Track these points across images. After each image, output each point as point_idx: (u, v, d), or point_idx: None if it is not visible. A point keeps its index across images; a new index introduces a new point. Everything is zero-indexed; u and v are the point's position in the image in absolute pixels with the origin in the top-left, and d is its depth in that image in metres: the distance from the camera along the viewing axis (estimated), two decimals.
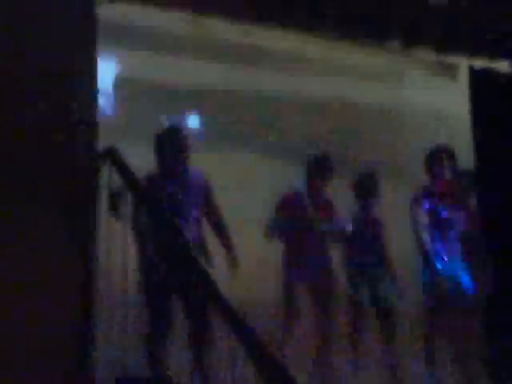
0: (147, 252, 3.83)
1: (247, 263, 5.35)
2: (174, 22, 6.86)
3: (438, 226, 6.21)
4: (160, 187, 4.96)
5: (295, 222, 5.98)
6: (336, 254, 6.33)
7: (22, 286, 3.27)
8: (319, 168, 6.15)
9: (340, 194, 6.53)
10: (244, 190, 5.39)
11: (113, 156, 3.54)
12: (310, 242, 6.01)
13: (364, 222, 6.45)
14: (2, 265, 3.24)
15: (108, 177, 3.49)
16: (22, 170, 3.39)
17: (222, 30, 7.23)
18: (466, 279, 6.23)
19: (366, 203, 6.48)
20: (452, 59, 8.80)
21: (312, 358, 5.94)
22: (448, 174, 6.39)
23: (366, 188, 6.50)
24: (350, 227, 6.16)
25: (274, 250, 6.03)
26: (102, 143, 3.56)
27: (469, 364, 6.02)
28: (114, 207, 3.42)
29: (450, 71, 8.95)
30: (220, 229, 5.25)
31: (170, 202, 4.86)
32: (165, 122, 5.65)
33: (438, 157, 6.40)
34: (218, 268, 4.97)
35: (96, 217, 3.43)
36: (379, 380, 6.05)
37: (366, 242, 6.40)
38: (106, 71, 6.97)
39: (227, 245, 5.25)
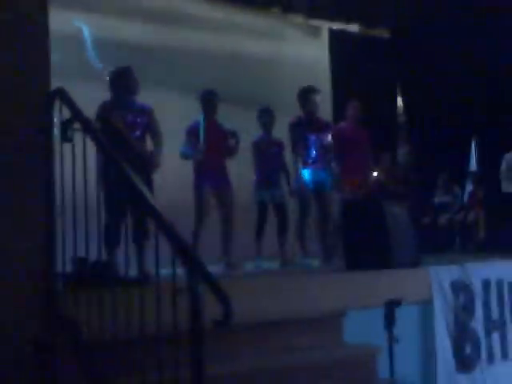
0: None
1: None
2: None
3: (306, 146, 6.26)
4: (115, 112, 4.93)
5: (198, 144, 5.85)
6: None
7: None
8: (207, 101, 5.97)
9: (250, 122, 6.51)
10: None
11: (62, 94, 3.34)
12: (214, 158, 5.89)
13: (267, 143, 6.43)
14: None
15: (59, 110, 3.30)
16: None
17: None
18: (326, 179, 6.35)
19: (268, 129, 6.46)
20: (317, 23, 8.74)
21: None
22: (315, 107, 6.36)
23: (266, 117, 6.46)
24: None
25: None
26: (54, 84, 3.36)
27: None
28: (64, 134, 3.26)
29: (315, 32, 8.88)
30: (157, 143, 5.19)
31: (127, 125, 4.89)
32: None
33: (308, 95, 6.35)
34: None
35: (51, 142, 3.28)
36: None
37: (272, 156, 6.40)
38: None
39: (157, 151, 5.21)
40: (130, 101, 5.08)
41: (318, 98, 6.40)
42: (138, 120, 5.05)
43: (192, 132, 5.90)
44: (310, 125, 6.31)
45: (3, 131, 3.18)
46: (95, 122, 4.64)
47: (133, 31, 7.20)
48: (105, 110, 4.94)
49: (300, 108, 6.36)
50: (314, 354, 3.85)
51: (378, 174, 7.92)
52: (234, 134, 6.02)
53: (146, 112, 5.11)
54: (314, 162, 6.26)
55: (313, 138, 6.29)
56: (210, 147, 5.84)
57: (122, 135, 4.87)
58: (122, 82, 5.06)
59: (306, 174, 6.25)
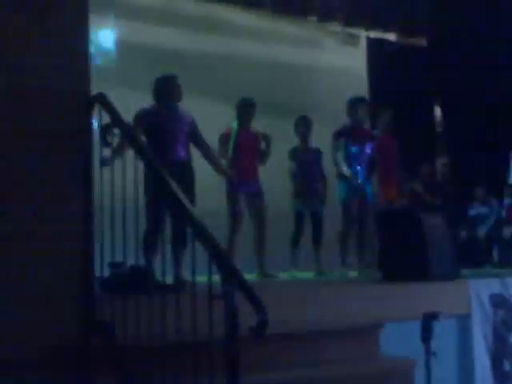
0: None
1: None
2: None
3: (350, 156, 6.20)
4: (158, 118, 4.97)
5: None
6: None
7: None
8: (244, 109, 5.96)
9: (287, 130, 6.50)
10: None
11: (102, 99, 3.36)
12: (246, 163, 5.86)
13: (304, 151, 6.40)
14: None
15: (99, 115, 3.32)
16: (28, 112, 3.19)
17: None
18: (369, 191, 6.29)
19: (305, 137, 6.42)
20: (355, 31, 8.70)
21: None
22: (363, 118, 6.34)
23: (304, 126, 6.42)
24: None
25: None
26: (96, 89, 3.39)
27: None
28: (104, 138, 3.27)
29: (353, 40, 8.84)
30: (208, 152, 5.26)
31: (166, 129, 4.91)
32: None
33: (358, 105, 6.31)
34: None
35: (91, 146, 3.30)
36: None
37: (309, 164, 6.35)
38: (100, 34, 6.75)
39: (216, 162, 5.34)
40: (173, 108, 5.09)
41: (366, 108, 6.37)
42: (180, 127, 5.05)
43: (224, 140, 5.88)
44: (355, 135, 6.26)
45: (43, 135, 3.21)
46: (135, 127, 4.69)
47: (171, 38, 7.25)
48: (146, 116, 4.96)
49: (348, 117, 6.32)
50: (351, 366, 3.80)
51: (415, 186, 7.82)
52: (265, 137, 5.99)
53: (187, 120, 5.12)
54: (355, 175, 6.19)
55: (355, 149, 6.24)
56: (244, 154, 5.83)
57: (164, 141, 4.90)
58: (166, 89, 5.07)
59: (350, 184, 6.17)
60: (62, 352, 3.05)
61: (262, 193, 5.93)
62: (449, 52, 8.76)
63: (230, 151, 5.81)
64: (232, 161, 5.82)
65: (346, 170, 6.12)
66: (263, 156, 6.00)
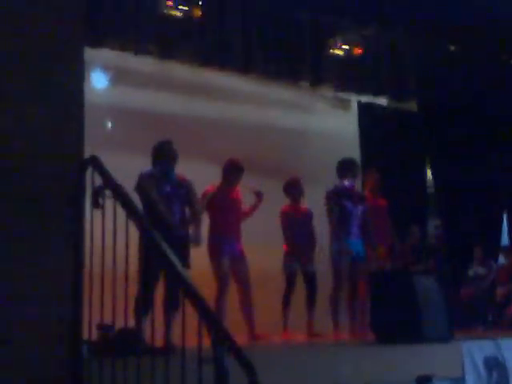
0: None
1: None
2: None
3: (344, 215, 6.26)
4: (158, 184, 5.07)
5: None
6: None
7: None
8: (229, 172, 5.98)
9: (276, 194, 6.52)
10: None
11: (94, 162, 3.40)
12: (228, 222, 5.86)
13: (295, 213, 6.44)
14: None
15: (91, 178, 3.35)
16: (22, 172, 3.22)
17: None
18: (361, 251, 6.31)
19: (296, 200, 6.49)
20: (345, 95, 8.86)
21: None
22: (353, 180, 6.43)
23: (294, 189, 6.49)
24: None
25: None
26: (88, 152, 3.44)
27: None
28: (96, 201, 3.30)
29: (344, 104, 9.00)
30: (194, 217, 5.33)
31: (163, 192, 5.01)
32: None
33: (346, 167, 6.42)
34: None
35: (83, 207, 3.32)
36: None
37: (299, 226, 6.40)
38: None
39: (194, 229, 5.31)
40: (170, 172, 5.18)
41: (358, 170, 6.46)
42: (177, 192, 5.13)
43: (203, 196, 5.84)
44: (348, 196, 6.33)
45: (33, 198, 3.22)
46: (136, 191, 4.78)
47: (163, 102, 7.36)
48: (144, 181, 5.04)
49: (338, 179, 6.42)
50: None
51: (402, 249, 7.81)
52: (258, 194, 6.02)
53: (184, 184, 5.20)
54: (349, 233, 6.23)
55: (350, 206, 6.30)
56: (227, 215, 5.84)
57: (156, 205, 4.94)
58: (163, 154, 5.18)
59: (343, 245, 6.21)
60: None
61: (245, 256, 5.90)
62: (439, 116, 8.93)
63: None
64: (213, 221, 5.83)
65: (345, 246, 6.17)
66: (247, 215, 6.02)
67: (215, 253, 5.76)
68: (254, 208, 6.07)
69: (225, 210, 5.84)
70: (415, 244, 8.17)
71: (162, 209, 4.97)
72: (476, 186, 8.95)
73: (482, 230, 9.04)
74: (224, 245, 5.76)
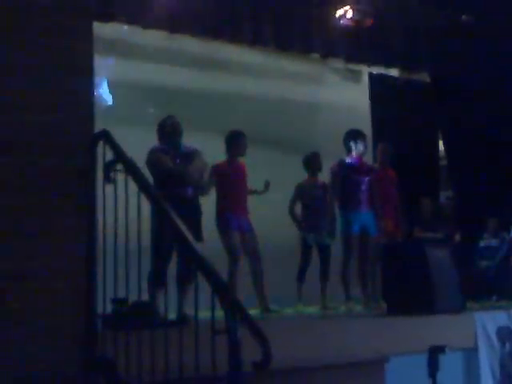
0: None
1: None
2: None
3: (350, 187, 6.21)
4: (169, 156, 5.09)
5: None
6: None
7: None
8: (230, 141, 5.94)
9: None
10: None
11: (106, 136, 3.40)
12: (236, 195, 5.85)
13: (314, 186, 6.39)
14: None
15: (102, 152, 3.35)
16: (34, 148, 3.22)
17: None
18: (371, 224, 6.26)
19: (315, 173, 6.42)
20: (357, 67, 8.79)
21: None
22: (360, 151, 6.35)
23: (313, 163, 6.42)
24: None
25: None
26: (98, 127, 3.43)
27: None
28: (108, 175, 3.31)
29: (355, 76, 8.92)
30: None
31: (177, 168, 5.03)
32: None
33: (355, 139, 6.34)
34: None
35: (95, 182, 3.33)
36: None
37: (315, 200, 6.34)
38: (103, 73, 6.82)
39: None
40: (178, 146, 5.19)
41: (364, 142, 6.40)
42: (186, 164, 5.13)
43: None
44: (355, 168, 6.29)
45: (46, 173, 3.23)
46: (147, 166, 4.79)
47: (173, 76, 7.33)
48: (155, 155, 5.06)
49: (346, 152, 6.35)
50: None
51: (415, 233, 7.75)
52: (266, 185, 5.97)
53: (193, 154, 5.20)
54: (358, 205, 6.20)
55: (357, 179, 6.26)
56: (234, 188, 5.83)
57: (172, 178, 4.95)
58: (167, 128, 5.19)
59: (351, 217, 6.18)
60: None
61: (253, 229, 5.88)
62: (452, 86, 8.83)
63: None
64: (221, 193, 5.82)
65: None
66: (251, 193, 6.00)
67: (224, 226, 5.76)
68: (255, 192, 6.03)
69: (232, 183, 5.83)
70: (426, 216, 8.14)
71: (177, 175, 4.98)
72: (489, 158, 8.89)
73: (495, 202, 8.99)
74: (232, 219, 5.77)
